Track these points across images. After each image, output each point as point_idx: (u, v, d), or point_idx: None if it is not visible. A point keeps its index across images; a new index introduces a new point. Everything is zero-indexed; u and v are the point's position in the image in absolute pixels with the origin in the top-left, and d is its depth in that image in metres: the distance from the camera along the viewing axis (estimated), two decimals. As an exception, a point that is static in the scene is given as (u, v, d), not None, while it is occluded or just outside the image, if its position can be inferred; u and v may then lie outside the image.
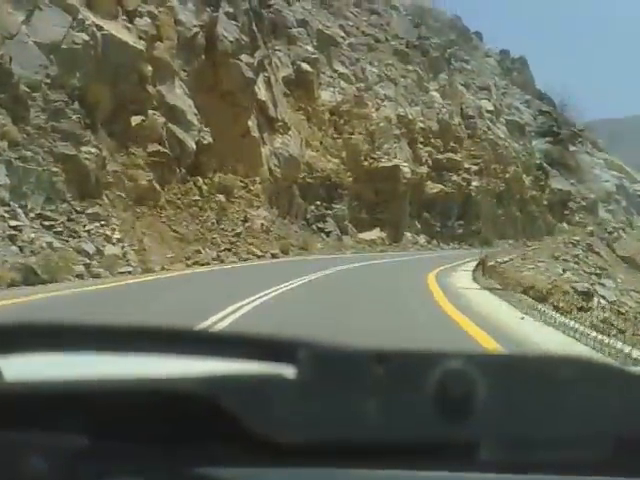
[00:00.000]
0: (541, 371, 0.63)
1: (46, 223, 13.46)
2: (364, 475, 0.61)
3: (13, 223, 12.47)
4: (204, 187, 23.48)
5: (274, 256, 23.38)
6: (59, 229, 13.58)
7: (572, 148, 70.79)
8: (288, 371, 0.60)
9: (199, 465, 0.59)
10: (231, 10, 27.00)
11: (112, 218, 15.66)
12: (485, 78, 65.52)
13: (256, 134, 27.60)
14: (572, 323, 7.55)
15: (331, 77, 41.55)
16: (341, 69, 42.23)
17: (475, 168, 48.08)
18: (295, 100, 36.53)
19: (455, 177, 45.59)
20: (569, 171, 66.68)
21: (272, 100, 30.65)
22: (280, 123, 31.30)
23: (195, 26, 24.47)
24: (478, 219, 47.98)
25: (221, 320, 6.89)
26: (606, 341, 6.34)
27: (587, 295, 14.10)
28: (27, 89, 14.97)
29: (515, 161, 54.71)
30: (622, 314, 12.72)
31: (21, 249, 11.88)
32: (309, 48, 40.25)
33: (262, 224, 25.83)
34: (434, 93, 48.22)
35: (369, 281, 14.07)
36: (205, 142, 23.96)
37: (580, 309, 10.43)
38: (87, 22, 17.47)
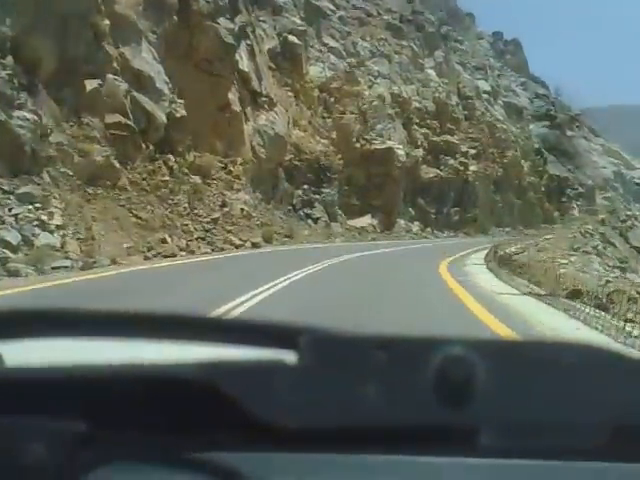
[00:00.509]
0: (542, 356, 0.63)
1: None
2: (365, 460, 0.61)
3: None
4: (176, 166, 20.46)
5: (255, 245, 20.45)
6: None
7: (569, 133, 68.22)
8: (289, 357, 0.59)
9: (200, 451, 0.59)
10: (209, -33, 23.84)
11: (52, 200, 12.64)
12: (480, 59, 62.76)
13: (237, 108, 24.54)
14: None
15: (320, 51, 38.45)
16: (331, 42, 39.13)
17: (473, 152, 45.28)
18: (281, 75, 33.45)
19: (452, 161, 42.74)
20: (566, 157, 64.14)
21: (256, 72, 27.55)
22: (265, 98, 28.23)
23: (166, -19, 21.33)
24: (475, 206, 45.25)
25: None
26: None
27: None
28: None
29: (514, 145, 52.00)
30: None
31: None
32: (296, 20, 37.09)
33: (242, 209, 22.86)
34: (430, 71, 45.25)
35: (372, 280, 11.19)
36: (177, 115, 20.91)
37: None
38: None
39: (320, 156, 33.67)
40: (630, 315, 8.05)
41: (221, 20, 24.21)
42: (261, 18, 33.67)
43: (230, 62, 24.48)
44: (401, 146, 38.33)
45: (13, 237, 10.42)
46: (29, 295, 8.03)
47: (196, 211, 20.27)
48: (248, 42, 27.35)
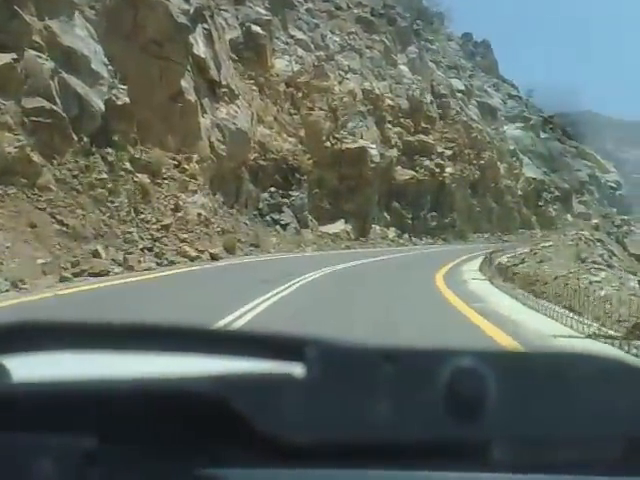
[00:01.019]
0: (553, 368, 0.62)
1: None
2: (377, 476, 0.60)
3: None
4: (118, 163, 17.15)
5: (214, 257, 17.25)
6: None
7: (543, 135, 66.37)
8: (296, 370, 0.59)
9: (208, 466, 0.59)
10: None
11: None
12: (451, 59, 60.44)
13: (192, 98, 21.32)
14: None
15: (286, 43, 35.39)
16: (298, 35, 36.11)
17: (449, 153, 42.67)
18: (244, 68, 30.33)
19: (427, 162, 40.05)
20: (541, 159, 62.17)
21: (214, 59, 24.36)
22: (225, 89, 25.04)
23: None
24: (452, 210, 42.61)
25: None
26: None
27: None
28: None
29: (490, 146, 49.60)
30: None
31: None
32: (260, 10, 34.00)
33: (200, 214, 19.64)
34: (403, 67, 42.53)
35: (357, 316, 8.09)
36: (119, 102, 17.62)
37: None
38: None
39: (288, 156, 30.59)
40: None
41: (173, -3, 21.01)
42: (222, 7, 30.53)
43: (183, 45, 21.28)
44: (374, 146, 35.49)
45: None
46: None
47: (142, 216, 17.00)
48: (206, 26, 24.15)
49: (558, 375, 0.61)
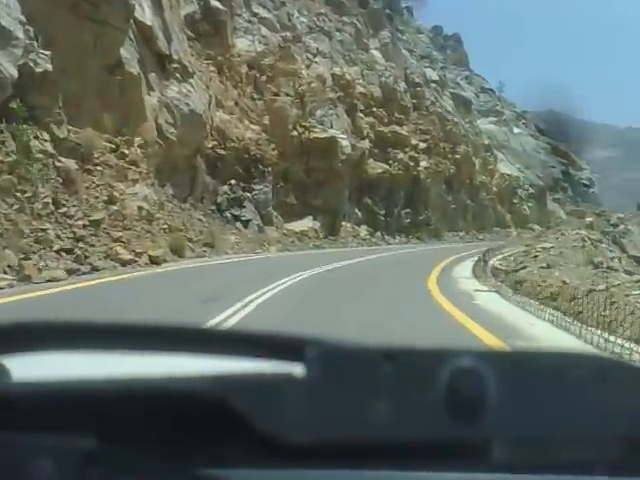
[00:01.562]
0: (553, 369, 0.62)
1: None
2: (377, 476, 0.60)
3: None
4: (36, 143, 13.82)
5: (154, 261, 14.02)
6: None
7: (516, 130, 64.30)
8: (296, 370, 0.59)
9: (208, 466, 0.59)
10: None
11: None
12: (423, 50, 57.83)
13: (134, 70, 18.00)
14: None
15: (249, 22, 32.15)
16: (262, 12, 32.89)
17: (423, 145, 39.94)
18: (202, 46, 27.03)
19: (401, 155, 37.23)
20: (515, 155, 60.03)
21: (163, 30, 21.04)
22: (177, 65, 21.73)
23: None
24: (426, 207, 39.87)
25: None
26: None
27: None
28: None
29: (464, 140, 47.05)
30: None
31: None
32: (220, -16, 30.66)
33: (141, 208, 16.38)
34: (375, 52, 39.63)
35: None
36: (38, 70, 14.27)
37: None
38: None
39: (250, 145, 27.40)
40: None
41: (112, -51, 17.65)
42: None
43: (124, 9, 17.94)
44: (345, 136, 32.49)
45: None
46: None
47: (64, 210, 13.70)
48: (154, -9, 20.84)
49: (558, 375, 0.61)
